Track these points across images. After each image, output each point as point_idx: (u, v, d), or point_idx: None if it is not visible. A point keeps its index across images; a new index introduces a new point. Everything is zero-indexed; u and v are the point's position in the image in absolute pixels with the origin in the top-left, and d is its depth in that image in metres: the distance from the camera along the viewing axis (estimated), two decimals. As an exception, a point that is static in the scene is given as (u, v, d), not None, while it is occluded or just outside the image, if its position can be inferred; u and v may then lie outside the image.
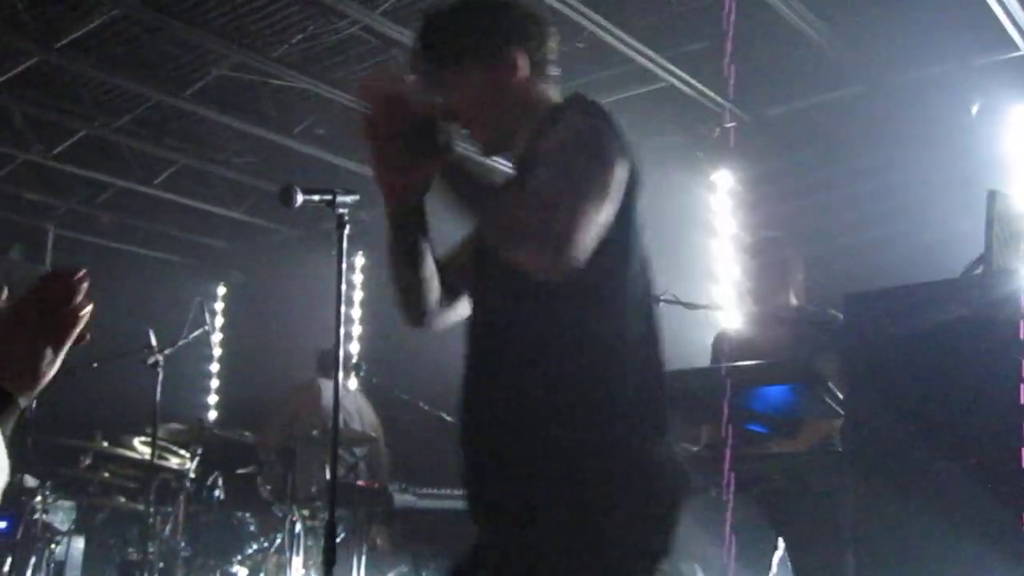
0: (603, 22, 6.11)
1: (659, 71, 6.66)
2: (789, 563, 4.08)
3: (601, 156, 2.02)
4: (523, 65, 2.26)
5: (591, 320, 2.08)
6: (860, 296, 3.26)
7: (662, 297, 3.88)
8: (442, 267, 2.38)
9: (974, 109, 6.14)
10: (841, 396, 3.38)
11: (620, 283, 2.12)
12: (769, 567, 4.15)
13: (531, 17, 2.35)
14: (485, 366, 2.24)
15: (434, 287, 2.38)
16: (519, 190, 2.07)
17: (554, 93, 2.34)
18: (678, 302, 3.93)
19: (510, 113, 2.27)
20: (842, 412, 3.44)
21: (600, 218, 1.94)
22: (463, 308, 2.41)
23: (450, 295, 2.41)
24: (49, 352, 1.55)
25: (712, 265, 7.15)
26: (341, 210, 3.22)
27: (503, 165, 2.47)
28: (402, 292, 2.39)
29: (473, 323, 2.33)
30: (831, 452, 3.98)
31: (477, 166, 2.07)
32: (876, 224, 6.08)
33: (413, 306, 2.42)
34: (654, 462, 2.08)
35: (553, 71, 2.35)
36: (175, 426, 6.67)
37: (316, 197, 3.17)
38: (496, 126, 2.29)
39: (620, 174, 2.03)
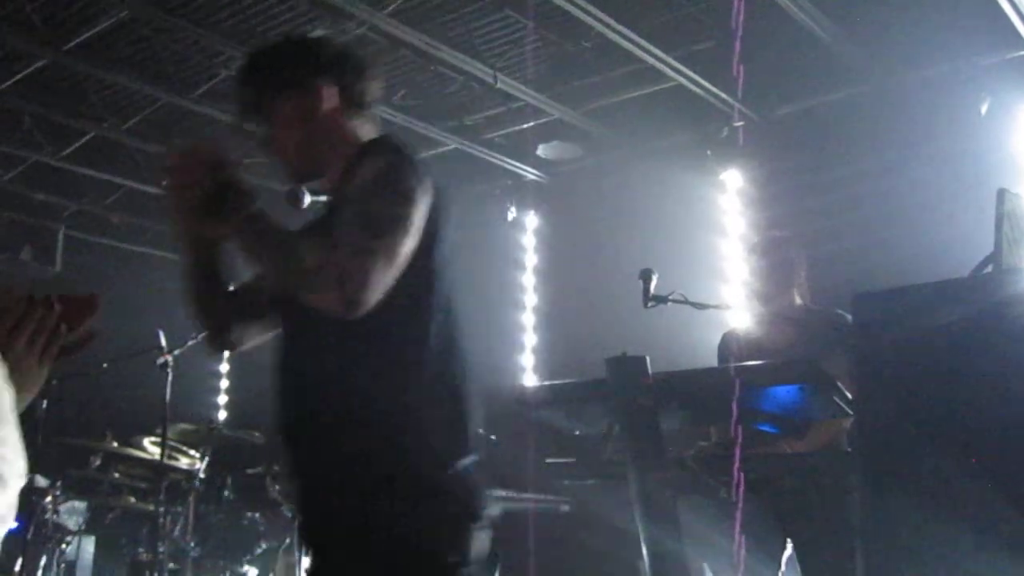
0: (611, 22, 6.10)
1: (667, 70, 6.65)
2: (797, 564, 4.08)
3: (399, 193, 2.13)
4: (332, 98, 2.39)
5: (390, 345, 2.17)
6: (869, 296, 3.24)
7: (670, 297, 3.88)
8: (253, 289, 2.48)
9: (983, 108, 6.12)
10: (850, 396, 3.36)
11: (421, 310, 2.23)
12: (778, 568, 4.15)
13: (346, 56, 2.48)
14: (289, 391, 2.33)
15: (232, 309, 2.49)
16: (316, 236, 2.19)
17: (369, 130, 2.46)
18: (687, 302, 3.92)
19: (318, 143, 2.39)
20: (851, 412, 3.43)
21: (398, 254, 2.05)
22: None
23: (263, 317, 2.49)
24: (35, 359, 1.58)
25: (721, 265, 7.14)
26: (348, 211, 3.21)
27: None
28: (201, 313, 2.51)
29: (279, 347, 2.39)
30: (839, 453, 3.97)
31: (283, 229, 2.19)
32: (885, 223, 6.07)
33: (211, 328, 2.53)
34: (453, 481, 2.16)
35: (371, 109, 2.48)
36: (185, 426, 6.69)
37: (323, 197, 3.16)
38: (304, 155, 2.42)
39: (420, 210, 2.15)
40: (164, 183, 2.22)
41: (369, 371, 2.18)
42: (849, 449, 4.04)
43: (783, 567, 4.16)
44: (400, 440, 2.14)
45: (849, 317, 4.13)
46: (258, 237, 2.15)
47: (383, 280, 2.01)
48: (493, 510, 2.25)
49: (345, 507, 2.15)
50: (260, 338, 2.54)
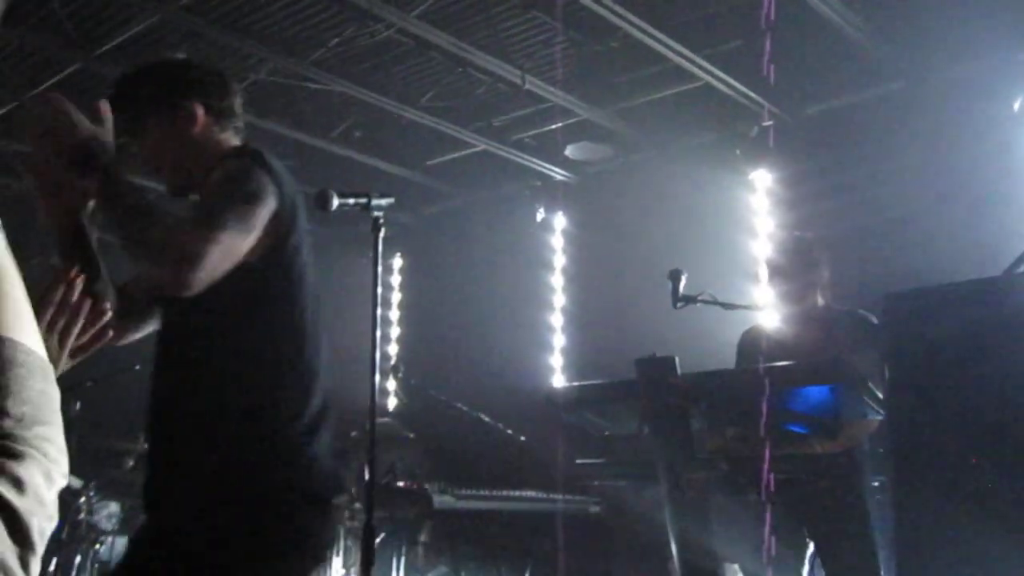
0: (638, 21, 6.09)
1: (696, 70, 6.63)
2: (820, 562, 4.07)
3: (245, 192, 2.30)
4: (201, 115, 2.56)
5: (239, 337, 2.37)
6: (901, 295, 3.23)
7: (699, 297, 3.87)
8: (134, 288, 2.64)
9: (1016, 104, 6.05)
10: (881, 396, 3.34)
11: (268, 307, 2.39)
12: (803, 567, 4.14)
13: (210, 75, 2.66)
14: (161, 374, 2.53)
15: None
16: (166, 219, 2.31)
17: (234, 140, 2.65)
18: (716, 302, 3.92)
19: (190, 158, 2.55)
20: (882, 412, 3.42)
21: (234, 246, 2.22)
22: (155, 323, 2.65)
23: (142, 310, 2.64)
24: (55, 344, 1.62)
25: (751, 265, 7.10)
26: (376, 213, 3.25)
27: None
28: None
29: (157, 338, 2.60)
30: (860, 452, 3.95)
31: (141, 197, 2.29)
32: (917, 222, 6.02)
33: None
34: (297, 467, 2.33)
35: (236, 122, 2.67)
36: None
37: (351, 200, 3.19)
38: (178, 170, 2.58)
39: (264, 211, 2.31)
40: (28, 133, 2.29)
41: (224, 363, 2.38)
42: (866, 449, 4.03)
43: (807, 565, 4.15)
44: (247, 425, 2.32)
45: (873, 318, 4.13)
46: (117, 198, 2.27)
47: (215, 267, 2.17)
48: (338, 497, 2.50)
49: (193, 484, 2.31)
50: (138, 333, 2.68)
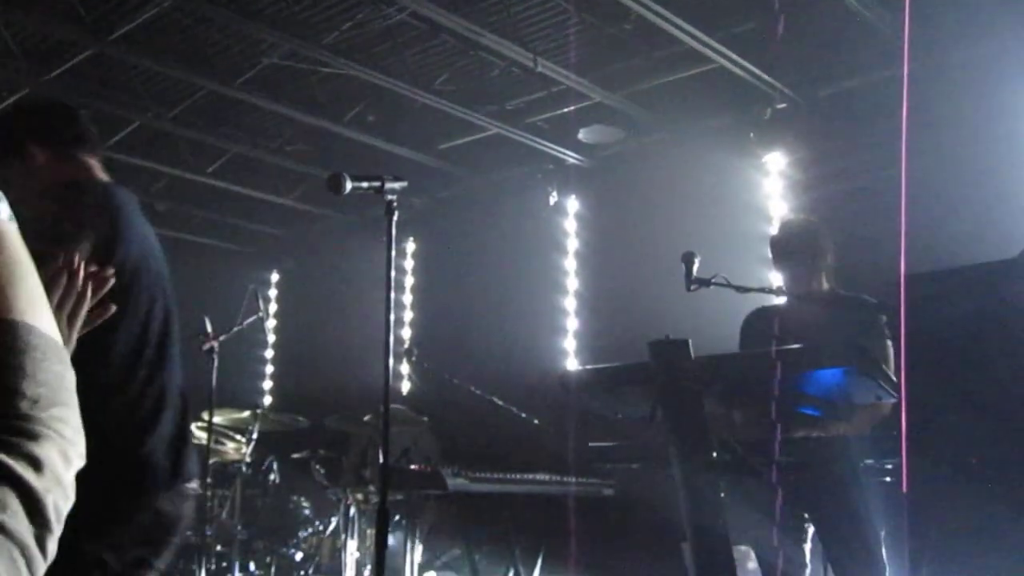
0: (651, 3, 6.06)
1: (709, 52, 6.60)
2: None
3: (72, 219, 2.46)
4: (40, 155, 2.74)
5: (88, 362, 2.42)
6: (918, 276, 3.23)
7: (713, 280, 3.87)
8: None
9: (1031, 86, 6.02)
10: (894, 379, 3.34)
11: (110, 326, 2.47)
12: (805, 544, 4.16)
13: (47, 112, 2.88)
14: None
15: None
16: None
17: (78, 170, 2.78)
18: (729, 285, 3.91)
19: (42, 194, 2.66)
20: (894, 395, 3.41)
21: None
22: None
23: None
24: (64, 328, 1.64)
25: (763, 248, 7.08)
26: (390, 196, 3.24)
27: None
28: None
29: None
30: (851, 437, 3.96)
31: None
32: (933, 204, 5.99)
33: None
34: (132, 466, 2.55)
35: (84, 150, 2.81)
36: (230, 411, 6.76)
37: (365, 184, 3.19)
38: (35, 208, 2.61)
39: (89, 236, 2.46)
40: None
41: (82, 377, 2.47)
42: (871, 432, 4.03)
43: (808, 544, 4.16)
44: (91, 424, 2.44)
45: (874, 301, 4.13)
46: None
47: None
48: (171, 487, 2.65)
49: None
50: None
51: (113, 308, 1.85)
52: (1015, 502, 2.69)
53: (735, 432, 3.84)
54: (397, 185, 3.28)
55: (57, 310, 1.63)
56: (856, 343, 3.61)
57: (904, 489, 3.13)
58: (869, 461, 3.65)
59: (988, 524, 2.79)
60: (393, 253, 3.25)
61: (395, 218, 3.26)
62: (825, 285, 4.49)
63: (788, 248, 4.55)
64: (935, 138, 6.19)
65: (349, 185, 3.12)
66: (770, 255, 4.70)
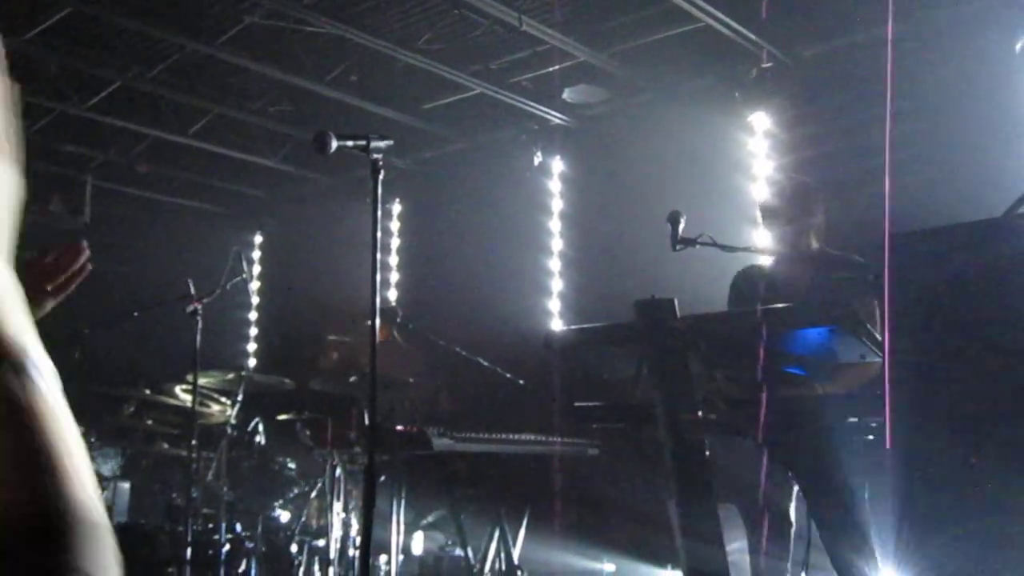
0: (637, -38, 6.01)
1: (694, 11, 6.55)
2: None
3: None
4: None
5: None
6: (904, 236, 3.22)
7: (699, 240, 3.87)
8: None
9: (1018, 45, 6.00)
10: (879, 339, 3.35)
11: None
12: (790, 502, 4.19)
13: None
14: None
15: None
16: None
17: None
18: (715, 244, 3.91)
19: None
20: (880, 355, 3.42)
21: None
22: None
23: None
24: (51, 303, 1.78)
25: (749, 208, 7.08)
26: (375, 155, 3.22)
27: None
28: None
29: None
30: (831, 395, 3.97)
31: None
32: (918, 164, 5.99)
33: None
34: None
35: None
36: (215, 373, 6.75)
37: (350, 143, 3.17)
38: None
39: None
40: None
41: None
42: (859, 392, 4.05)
43: (794, 501, 4.19)
44: None
45: (863, 261, 4.14)
46: None
47: None
48: None
49: None
50: None
51: (89, 267, 1.96)
52: (999, 459, 2.71)
53: (720, 391, 3.86)
54: (383, 144, 3.26)
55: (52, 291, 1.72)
56: (841, 302, 3.62)
57: (888, 446, 3.15)
58: (853, 419, 3.67)
59: (972, 481, 2.81)
60: (379, 213, 3.23)
61: (381, 177, 3.25)
62: (815, 244, 4.50)
63: (777, 207, 4.55)
64: (920, 98, 6.19)
65: (335, 144, 3.09)
66: (759, 214, 4.71)
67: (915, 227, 3.35)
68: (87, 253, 1.85)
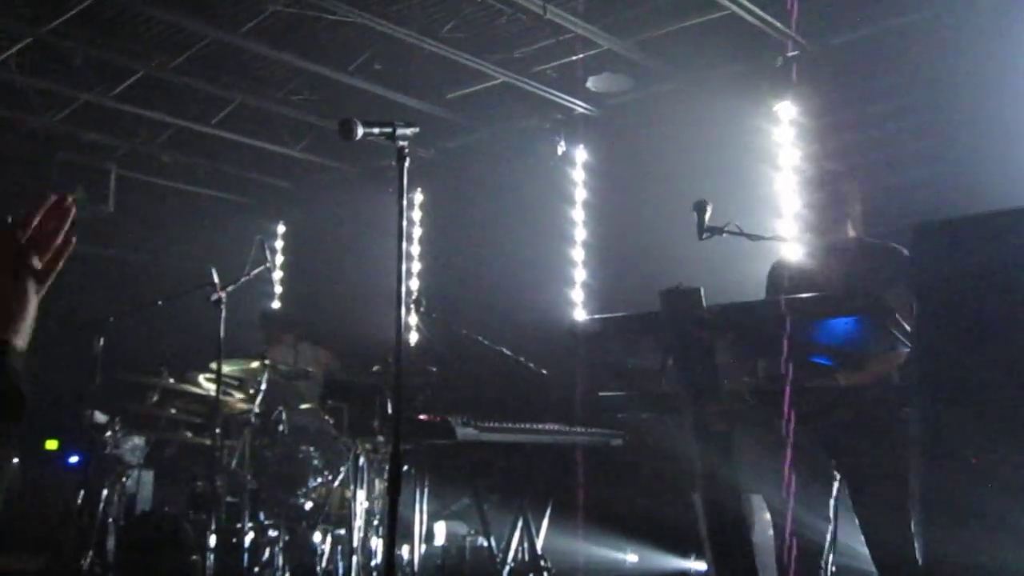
0: (662, -51, 5.96)
1: (720, -1, 6.50)
2: (848, 496, 4.07)
3: None
4: None
5: None
6: (930, 226, 3.18)
7: (726, 228, 3.83)
8: None
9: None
10: (908, 328, 3.31)
11: None
12: (830, 499, 4.14)
13: None
14: None
15: None
16: None
17: None
18: (742, 233, 3.88)
19: None
20: (909, 345, 3.39)
21: None
22: None
23: None
24: (32, 285, 1.58)
25: (775, 197, 7.04)
26: (401, 143, 3.20)
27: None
28: None
29: None
30: (892, 387, 3.92)
31: None
32: (946, 153, 5.93)
33: None
34: None
35: None
36: (239, 362, 6.77)
37: (376, 130, 3.15)
38: None
39: None
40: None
41: None
42: (899, 383, 4.00)
43: (833, 499, 4.15)
44: None
45: (905, 251, 4.08)
46: None
47: None
48: None
49: None
50: None
51: (73, 238, 1.69)
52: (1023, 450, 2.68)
53: (754, 383, 3.82)
54: (409, 131, 3.24)
55: (22, 272, 1.58)
56: (869, 291, 3.58)
57: (913, 436, 3.12)
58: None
59: (998, 471, 2.78)
60: (405, 201, 3.22)
61: (407, 164, 3.23)
62: (851, 233, 4.45)
63: (814, 196, 4.52)
64: (949, 86, 6.12)
65: (361, 131, 3.07)
66: (797, 203, 4.67)
67: (942, 216, 3.31)
68: (72, 210, 1.67)
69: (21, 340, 1.55)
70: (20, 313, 1.56)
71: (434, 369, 6.71)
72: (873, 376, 3.97)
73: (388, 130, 3.19)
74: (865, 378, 3.95)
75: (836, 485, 4.13)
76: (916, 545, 3.75)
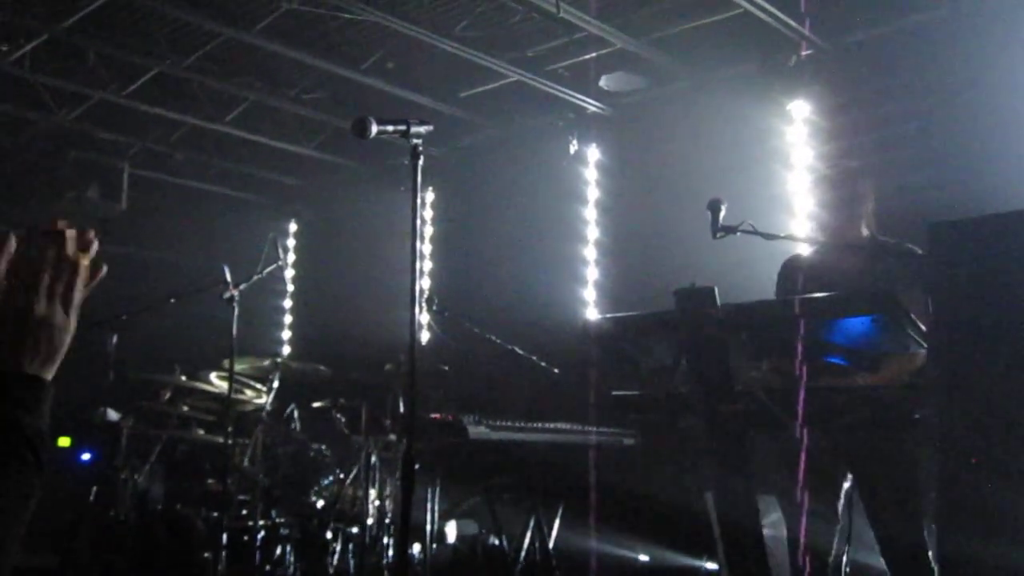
0: (676, -53, 5.94)
1: (734, -3, 6.48)
2: (858, 496, 4.05)
3: None
4: None
5: None
6: (945, 225, 3.17)
7: (740, 228, 3.81)
8: None
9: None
10: (924, 329, 3.29)
11: None
12: (841, 500, 4.13)
13: None
14: None
15: None
16: None
17: None
18: (756, 232, 3.86)
19: None
20: (924, 345, 3.37)
21: None
22: None
23: None
24: (59, 312, 1.44)
25: (788, 197, 7.01)
26: (415, 140, 3.19)
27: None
28: None
29: None
30: (905, 387, 3.90)
31: None
32: (960, 152, 5.90)
33: None
34: None
35: None
36: (251, 360, 6.78)
37: (390, 128, 3.15)
38: None
39: None
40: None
41: None
42: (912, 383, 3.97)
43: (842, 499, 4.13)
44: None
45: (920, 250, 4.06)
46: None
47: None
48: None
49: None
50: None
51: (105, 267, 1.51)
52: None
53: (764, 382, 3.81)
54: (423, 129, 3.23)
55: (49, 297, 1.43)
56: (884, 291, 3.56)
57: (930, 437, 3.10)
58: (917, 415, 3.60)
59: (1015, 471, 2.76)
60: (419, 199, 3.21)
61: (420, 163, 3.22)
62: (864, 232, 4.44)
63: (827, 195, 4.51)
64: (964, 84, 6.09)
65: (375, 129, 3.07)
66: (812, 202, 4.66)
67: (958, 216, 3.29)
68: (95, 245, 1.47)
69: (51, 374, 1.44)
70: (62, 347, 1.45)
71: (446, 368, 6.72)
72: (889, 377, 3.95)
73: (402, 128, 3.18)
74: (881, 379, 3.92)
75: (848, 485, 4.12)
76: (928, 546, 3.74)
